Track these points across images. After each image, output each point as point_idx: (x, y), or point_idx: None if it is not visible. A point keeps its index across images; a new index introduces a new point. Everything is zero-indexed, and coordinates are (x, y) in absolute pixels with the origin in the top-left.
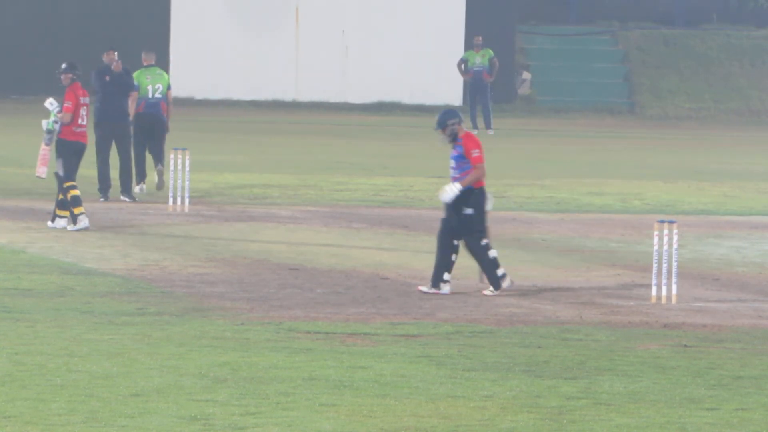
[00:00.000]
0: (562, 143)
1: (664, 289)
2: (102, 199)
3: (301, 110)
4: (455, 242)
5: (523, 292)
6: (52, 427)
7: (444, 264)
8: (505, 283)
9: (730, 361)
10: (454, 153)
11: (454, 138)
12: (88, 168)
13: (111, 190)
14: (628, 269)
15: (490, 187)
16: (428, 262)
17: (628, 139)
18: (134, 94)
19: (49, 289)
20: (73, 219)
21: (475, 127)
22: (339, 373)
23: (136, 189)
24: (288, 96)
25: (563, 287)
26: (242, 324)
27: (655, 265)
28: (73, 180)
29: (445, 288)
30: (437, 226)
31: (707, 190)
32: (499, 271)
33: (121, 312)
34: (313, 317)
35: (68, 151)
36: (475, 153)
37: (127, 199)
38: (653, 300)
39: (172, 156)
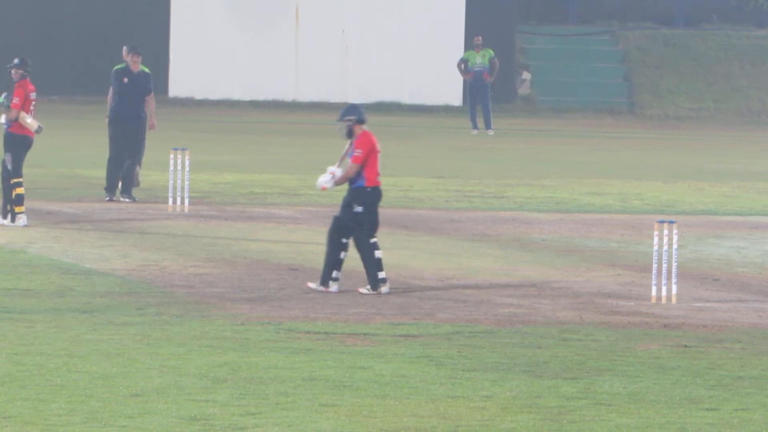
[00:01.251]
0: (562, 143)
1: (664, 289)
2: (107, 199)
3: (301, 110)
4: (344, 240)
5: (523, 292)
6: (52, 427)
7: (333, 262)
8: (383, 289)
9: (730, 362)
10: (349, 150)
11: (349, 135)
12: (88, 168)
13: (117, 191)
14: (628, 269)
15: (490, 187)
16: (428, 263)
17: (628, 139)
18: (151, 96)
19: (48, 289)
20: (12, 217)
21: (475, 127)
22: (339, 373)
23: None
24: (288, 96)
25: (563, 287)
26: (242, 324)
27: (655, 265)
28: (21, 176)
29: (334, 286)
30: (437, 226)
31: (707, 190)
32: (380, 274)
33: (121, 312)
34: (313, 317)
35: (17, 145)
36: (357, 152)
37: (127, 200)
38: (653, 300)
39: (171, 156)
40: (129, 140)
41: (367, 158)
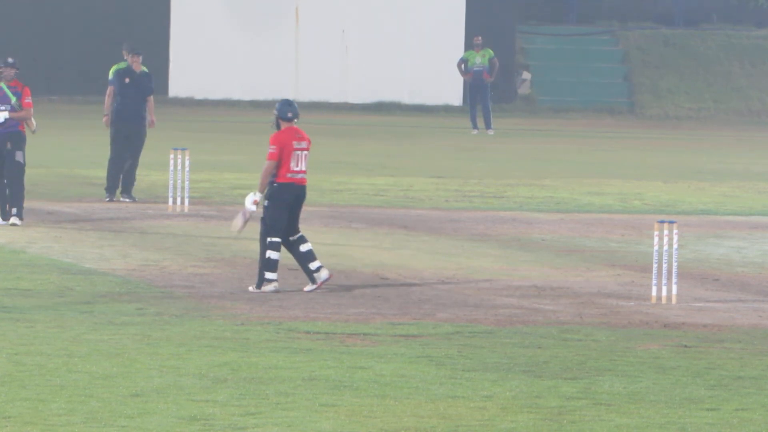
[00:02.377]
0: (562, 143)
1: (664, 289)
2: (107, 199)
3: (301, 110)
4: (291, 238)
5: (523, 292)
6: (52, 427)
7: (263, 262)
8: (267, 288)
9: (730, 362)
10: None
11: (277, 128)
12: (88, 168)
13: (117, 191)
14: (628, 269)
15: (490, 187)
16: (428, 263)
17: (628, 139)
18: (151, 98)
19: (49, 289)
20: (20, 213)
21: (475, 127)
22: (339, 373)
23: None
24: (288, 96)
25: (563, 287)
26: (242, 324)
27: (655, 265)
28: None
29: (270, 286)
30: (437, 226)
31: (707, 190)
32: (269, 275)
33: (121, 312)
34: (313, 317)
35: (24, 143)
36: (271, 149)
37: (127, 200)
38: (653, 300)
39: (171, 156)
40: (130, 140)
41: (281, 154)
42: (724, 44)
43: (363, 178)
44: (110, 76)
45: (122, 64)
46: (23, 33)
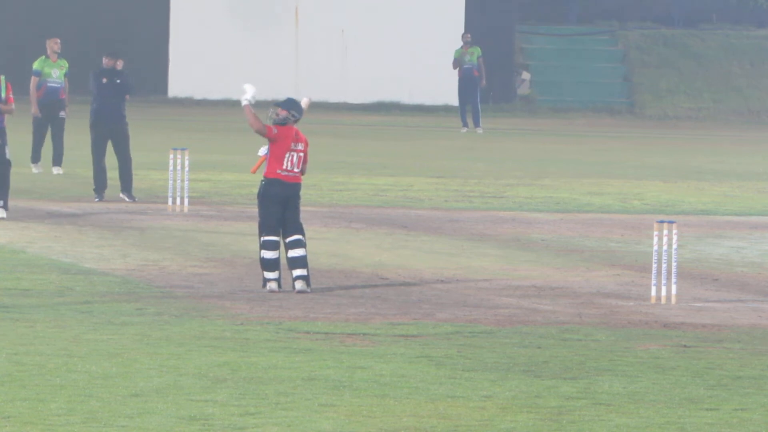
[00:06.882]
0: (562, 143)
1: (664, 289)
2: (97, 200)
3: None
4: (287, 240)
5: (523, 292)
6: (52, 427)
7: (289, 266)
8: (268, 286)
9: (729, 361)
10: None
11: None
12: (88, 168)
13: (107, 191)
14: (628, 269)
15: (490, 187)
16: (428, 263)
17: (628, 139)
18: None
19: (48, 289)
20: (6, 205)
21: (465, 125)
22: (339, 373)
23: (34, 170)
24: (288, 96)
25: (563, 287)
26: (242, 324)
27: (655, 265)
28: None
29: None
30: (437, 226)
31: (707, 190)
32: (267, 274)
33: (121, 312)
34: (313, 317)
35: (5, 138)
36: (272, 129)
37: (127, 199)
38: (653, 300)
39: (171, 156)
40: (115, 139)
41: (276, 144)
42: (724, 44)
43: (363, 178)
44: (34, 66)
45: (45, 63)
46: (23, 33)
